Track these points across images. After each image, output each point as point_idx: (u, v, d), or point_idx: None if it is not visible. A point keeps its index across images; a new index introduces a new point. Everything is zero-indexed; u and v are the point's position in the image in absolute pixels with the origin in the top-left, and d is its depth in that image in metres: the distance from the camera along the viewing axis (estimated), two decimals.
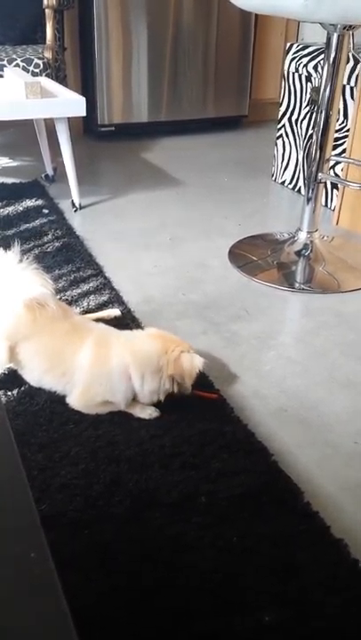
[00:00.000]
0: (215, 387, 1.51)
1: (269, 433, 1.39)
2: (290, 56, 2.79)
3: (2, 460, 0.69)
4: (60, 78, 3.12)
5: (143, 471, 1.25)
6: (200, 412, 1.41)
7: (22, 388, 1.47)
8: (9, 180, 2.91)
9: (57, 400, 1.43)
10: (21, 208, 2.57)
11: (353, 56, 2.43)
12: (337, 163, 2.55)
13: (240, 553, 1.08)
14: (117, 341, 1.42)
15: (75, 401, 1.41)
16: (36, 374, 1.46)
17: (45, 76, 2.92)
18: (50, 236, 2.32)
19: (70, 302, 1.86)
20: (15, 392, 1.46)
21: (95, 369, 1.38)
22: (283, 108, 2.89)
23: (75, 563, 1.04)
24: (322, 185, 2.16)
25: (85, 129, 3.69)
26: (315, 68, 2.65)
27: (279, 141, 2.95)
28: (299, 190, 2.86)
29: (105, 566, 1.04)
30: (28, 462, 1.24)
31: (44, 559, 0.55)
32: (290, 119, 2.85)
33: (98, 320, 1.64)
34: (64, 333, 1.44)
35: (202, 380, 1.51)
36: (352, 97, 2.46)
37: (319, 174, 2.12)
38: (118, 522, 1.13)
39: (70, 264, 2.11)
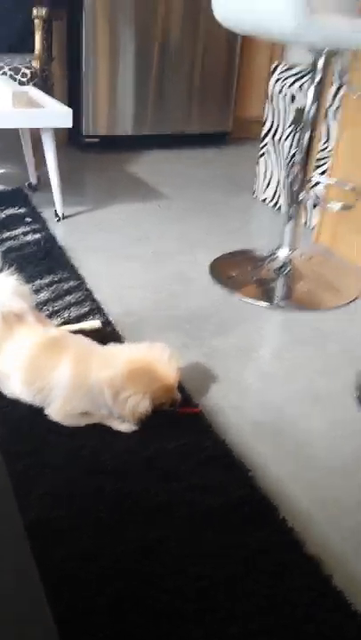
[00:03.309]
0: (194, 400, 1.53)
1: (247, 447, 1.40)
2: (275, 76, 2.84)
3: None
4: (47, 88, 3.14)
5: (122, 483, 1.25)
6: (179, 426, 1.43)
7: (4, 397, 1.47)
8: None
9: (38, 410, 1.43)
10: (4, 216, 2.58)
11: (337, 79, 2.48)
12: (318, 182, 2.59)
13: (217, 567, 1.09)
14: (98, 364, 1.40)
15: (54, 412, 1.41)
16: (13, 388, 1.46)
17: (32, 85, 2.93)
18: (32, 245, 2.32)
19: (51, 313, 1.87)
20: None
21: (76, 387, 1.39)
22: (266, 127, 2.93)
23: (55, 571, 1.05)
24: (303, 204, 2.20)
25: (70, 139, 3.70)
26: (300, 88, 2.69)
27: (261, 160, 2.99)
28: (280, 208, 2.90)
29: (83, 576, 1.05)
30: (8, 470, 1.24)
31: (30, 576, 0.56)
32: (273, 138, 2.90)
33: (78, 332, 1.65)
34: (42, 349, 1.44)
35: (182, 395, 1.53)
36: (335, 118, 2.51)
37: (301, 194, 2.16)
38: (95, 533, 1.14)
39: (52, 274, 2.12)
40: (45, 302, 1.92)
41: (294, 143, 2.74)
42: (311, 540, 1.16)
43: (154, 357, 1.41)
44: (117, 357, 1.41)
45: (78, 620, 0.98)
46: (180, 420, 1.44)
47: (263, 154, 2.98)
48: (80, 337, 1.54)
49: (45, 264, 2.19)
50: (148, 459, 1.32)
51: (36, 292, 1.97)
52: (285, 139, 2.82)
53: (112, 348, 1.49)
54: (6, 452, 1.29)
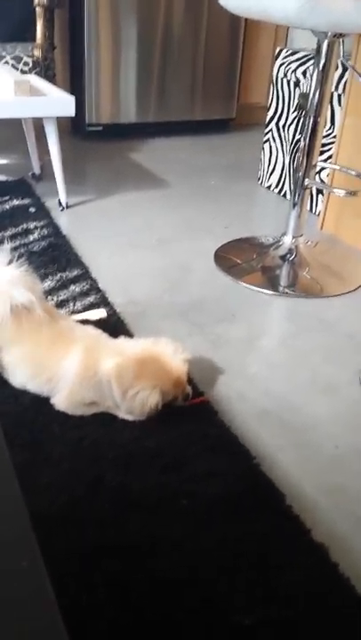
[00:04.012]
0: (200, 389, 1.53)
1: (252, 435, 1.40)
2: (279, 61, 2.81)
3: None
4: (50, 77, 3.13)
5: (126, 472, 1.26)
6: (184, 414, 1.43)
7: (7, 389, 1.47)
8: None
9: (42, 401, 1.43)
10: (7, 206, 2.57)
11: (341, 63, 2.46)
12: (323, 168, 2.58)
13: (221, 556, 1.09)
14: (106, 355, 1.40)
15: (60, 402, 1.41)
16: (20, 379, 1.46)
17: (34, 74, 2.92)
18: (36, 235, 2.32)
19: (56, 303, 1.86)
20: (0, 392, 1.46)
21: (84, 378, 1.39)
22: (270, 113, 2.91)
23: (56, 563, 1.05)
24: (308, 190, 2.18)
25: (73, 128, 3.68)
26: (303, 73, 2.67)
27: (266, 145, 2.97)
28: (285, 195, 2.89)
29: (86, 568, 1.05)
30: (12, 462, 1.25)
31: (37, 569, 0.55)
32: (277, 124, 2.88)
33: (84, 321, 1.64)
34: (50, 340, 1.44)
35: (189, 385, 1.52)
36: (339, 103, 2.49)
37: (306, 180, 2.14)
38: (101, 523, 1.14)
39: (56, 264, 2.11)
40: (50, 292, 1.92)
41: (299, 129, 2.72)
42: (317, 528, 1.16)
43: (161, 351, 1.41)
44: (125, 351, 1.41)
45: (82, 613, 0.98)
46: (184, 410, 1.44)
47: (268, 140, 2.96)
48: (89, 327, 1.54)
49: (50, 254, 2.18)
50: (153, 448, 1.32)
51: (41, 281, 1.96)
52: (290, 124, 2.80)
53: (120, 341, 1.49)
54: (8, 443, 1.29)
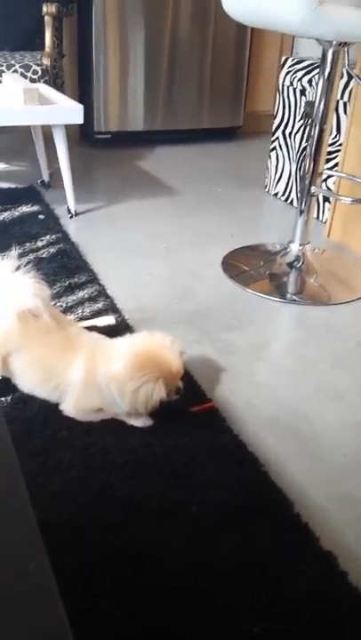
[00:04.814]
0: (207, 396, 1.54)
1: (261, 443, 1.41)
2: (285, 70, 2.83)
3: (1, 468, 0.71)
4: (58, 85, 3.15)
5: (134, 479, 1.26)
6: (193, 421, 1.44)
7: (16, 394, 1.48)
8: (5, 186, 2.93)
9: (51, 407, 1.44)
10: (17, 213, 2.59)
11: (347, 72, 2.47)
12: (329, 176, 2.59)
13: (230, 563, 1.10)
14: (102, 360, 1.40)
15: (69, 409, 1.42)
16: (28, 385, 1.47)
17: (43, 82, 2.94)
18: (45, 242, 2.34)
19: (65, 309, 1.88)
20: (9, 398, 1.47)
21: (89, 385, 1.40)
22: (277, 121, 2.92)
23: (64, 569, 1.05)
24: (314, 198, 2.19)
25: (82, 135, 3.71)
26: (309, 82, 2.68)
27: (273, 153, 2.99)
28: (291, 202, 2.90)
29: (93, 575, 1.06)
30: (21, 469, 1.26)
31: (43, 571, 0.56)
32: (284, 132, 2.89)
33: (92, 328, 1.65)
34: (57, 346, 1.45)
35: (195, 390, 1.53)
36: (345, 112, 2.50)
37: (312, 188, 2.16)
38: (108, 529, 1.15)
39: (65, 270, 2.13)
40: (59, 298, 1.94)
41: (305, 137, 2.73)
42: (326, 536, 1.16)
43: (157, 344, 1.41)
44: (121, 350, 1.41)
45: (88, 621, 0.98)
46: (193, 416, 1.45)
47: (274, 148, 2.97)
48: (94, 334, 1.55)
49: (59, 260, 2.20)
50: (161, 455, 1.33)
51: (50, 288, 1.97)
52: (296, 132, 2.81)
53: (114, 341, 1.49)
54: (18, 450, 1.30)
